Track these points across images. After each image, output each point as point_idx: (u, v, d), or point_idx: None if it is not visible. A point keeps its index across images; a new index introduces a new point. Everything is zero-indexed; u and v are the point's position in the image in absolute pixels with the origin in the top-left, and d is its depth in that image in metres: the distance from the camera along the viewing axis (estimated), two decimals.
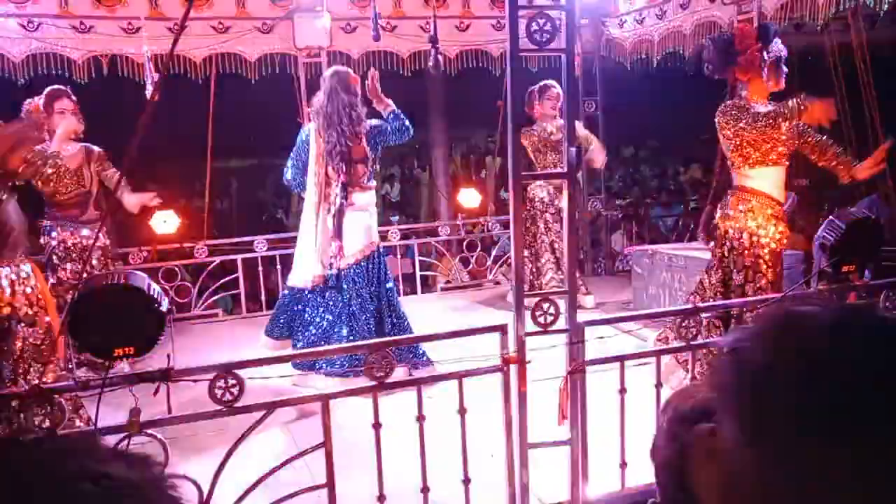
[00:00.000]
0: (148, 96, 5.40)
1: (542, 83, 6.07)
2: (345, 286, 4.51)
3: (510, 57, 2.83)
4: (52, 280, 4.74)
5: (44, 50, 5.82)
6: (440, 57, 5.76)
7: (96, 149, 5.08)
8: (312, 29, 6.27)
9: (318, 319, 4.57)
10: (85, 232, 4.96)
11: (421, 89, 9.59)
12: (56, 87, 4.90)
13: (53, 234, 4.91)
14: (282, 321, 4.74)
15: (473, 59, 7.05)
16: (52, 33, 5.84)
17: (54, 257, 4.85)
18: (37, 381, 2.30)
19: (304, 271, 4.61)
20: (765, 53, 3.77)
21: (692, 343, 3.19)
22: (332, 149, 4.46)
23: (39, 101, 4.81)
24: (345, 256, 4.52)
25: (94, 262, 4.91)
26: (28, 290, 3.32)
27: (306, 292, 4.62)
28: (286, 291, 4.80)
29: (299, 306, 4.66)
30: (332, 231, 4.54)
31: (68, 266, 4.87)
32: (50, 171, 4.74)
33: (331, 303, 4.55)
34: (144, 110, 2.60)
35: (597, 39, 7.42)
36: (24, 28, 5.77)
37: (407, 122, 4.59)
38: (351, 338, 4.39)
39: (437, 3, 6.76)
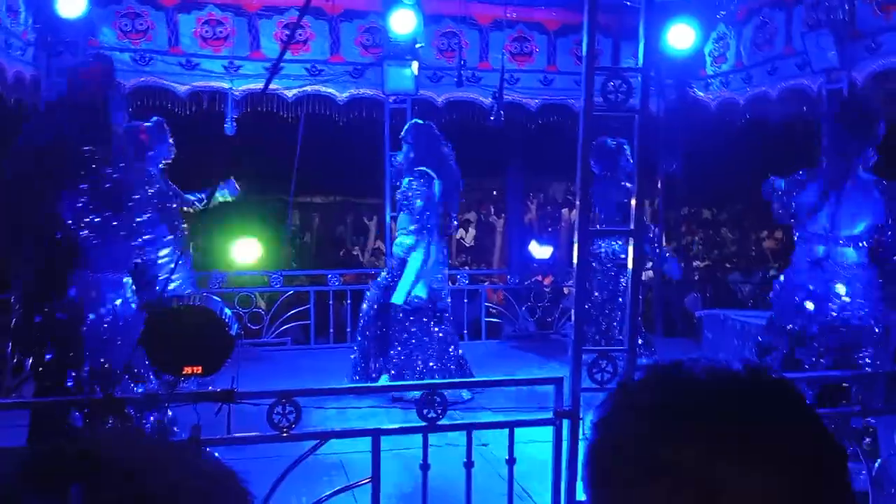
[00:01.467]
0: (227, 131, 5.73)
1: (618, 141, 6.08)
2: None
3: (583, 116, 2.89)
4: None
5: (151, 83, 6.27)
6: (501, 112, 5.90)
7: None
8: (401, 76, 6.51)
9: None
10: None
11: (501, 137, 9.75)
12: (162, 119, 5.24)
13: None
14: None
15: (555, 113, 7.15)
16: (160, 67, 6.29)
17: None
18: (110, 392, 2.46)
19: None
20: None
21: None
22: None
23: (143, 125, 5.13)
24: None
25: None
26: None
27: None
28: None
29: None
30: None
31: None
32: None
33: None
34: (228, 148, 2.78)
35: (681, 100, 7.40)
36: (136, 63, 6.23)
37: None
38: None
39: (522, 58, 6.94)
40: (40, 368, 2.76)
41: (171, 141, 5.14)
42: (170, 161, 5.19)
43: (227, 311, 2.65)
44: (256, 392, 2.65)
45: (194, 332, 2.48)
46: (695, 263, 9.79)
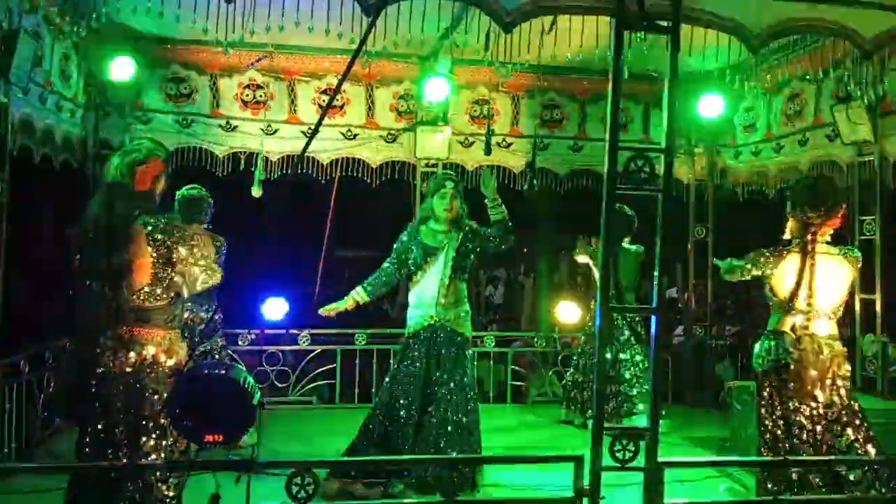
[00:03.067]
0: (253, 193, 5.91)
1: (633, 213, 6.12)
2: None
3: (606, 196, 2.93)
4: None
5: (192, 144, 6.50)
6: (535, 182, 5.97)
7: None
8: (433, 141, 6.66)
9: None
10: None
11: (532, 198, 9.85)
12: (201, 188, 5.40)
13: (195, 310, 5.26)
14: None
15: (585, 178, 7.22)
16: (201, 130, 6.53)
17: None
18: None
19: None
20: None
21: (779, 498, 3.03)
22: None
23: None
24: None
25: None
26: None
27: None
28: None
29: None
30: None
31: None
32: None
33: None
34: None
35: (711, 167, 7.44)
36: (179, 124, 6.49)
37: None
38: None
39: (552, 124, 7.05)
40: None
41: (210, 206, 5.32)
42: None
43: (251, 379, 2.69)
44: (276, 462, 2.68)
45: (217, 400, 2.53)
46: (727, 328, 9.63)
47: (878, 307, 5.57)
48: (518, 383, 7.36)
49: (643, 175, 2.95)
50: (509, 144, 7.01)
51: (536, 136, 6.18)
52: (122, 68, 5.98)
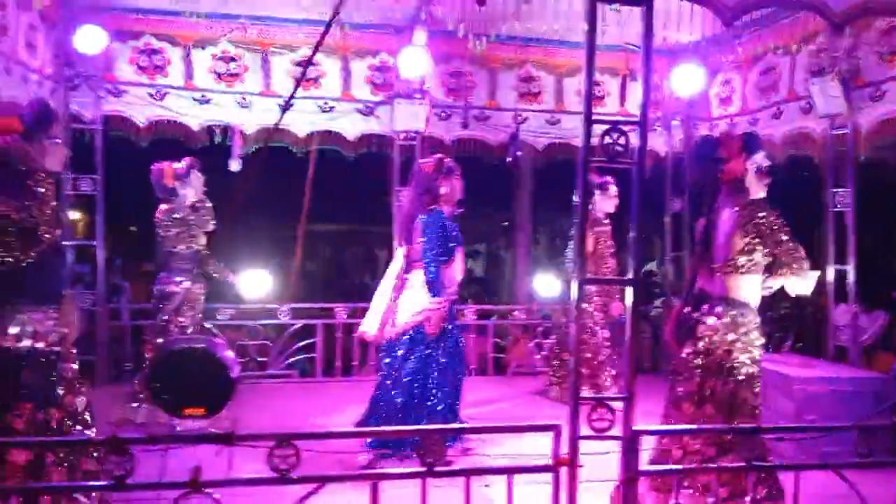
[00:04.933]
0: (230, 167, 5.85)
1: (603, 179, 6.12)
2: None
3: (580, 166, 2.94)
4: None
5: (166, 118, 6.41)
6: (518, 153, 5.96)
7: None
8: (410, 114, 6.61)
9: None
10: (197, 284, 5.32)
11: (509, 172, 9.85)
12: (193, 158, 5.37)
13: (178, 282, 5.19)
14: None
15: (563, 151, 7.24)
16: (175, 103, 6.43)
17: (172, 305, 5.08)
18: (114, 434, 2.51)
19: None
20: (747, 163, 3.65)
21: (752, 464, 3.10)
22: None
23: (173, 165, 5.26)
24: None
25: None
26: None
27: None
28: None
29: None
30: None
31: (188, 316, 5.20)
32: (187, 225, 5.19)
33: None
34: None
35: (688, 140, 7.48)
36: (152, 97, 6.38)
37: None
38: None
39: (531, 97, 7.04)
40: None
41: (201, 178, 5.28)
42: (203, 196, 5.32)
43: (230, 352, 2.70)
44: (256, 434, 2.69)
45: (196, 375, 2.54)
46: None
47: (850, 277, 5.68)
48: (499, 355, 7.44)
49: (618, 148, 2.97)
50: (487, 117, 6.99)
51: (514, 108, 6.16)
52: (91, 39, 5.85)
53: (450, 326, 4.62)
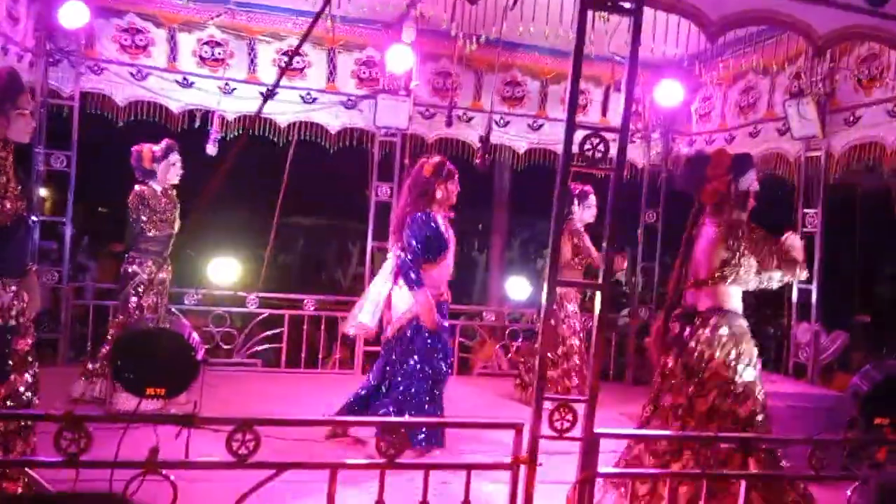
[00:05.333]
0: (207, 151, 5.82)
1: (582, 188, 6.21)
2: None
3: (561, 169, 2.98)
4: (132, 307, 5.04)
5: (146, 98, 6.34)
6: (488, 155, 6.00)
7: None
8: (393, 110, 6.60)
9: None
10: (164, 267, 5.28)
11: (488, 175, 9.88)
12: (173, 141, 5.33)
13: (146, 266, 5.17)
14: None
15: (542, 157, 7.29)
16: (157, 84, 6.36)
17: (141, 287, 5.10)
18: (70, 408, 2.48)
19: None
20: (733, 185, 3.69)
21: (706, 472, 3.15)
22: None
23: (152, 147, 5.23)
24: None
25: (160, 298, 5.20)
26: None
27: None
28: None
29: None
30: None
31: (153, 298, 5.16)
32: (158, 211, 5.14)
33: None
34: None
35: (665, 153, 7.58)
36: (133, 77, 6.31)
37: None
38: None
39: (513, 102, 7.08)
40: None
41: (178, 160, 5.24)
42: (176, 181, 5.31)
43: (195, 334, 2.68)
44: (217, 418, 2.67)
45: (159, 354, 2.52)
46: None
47: (813, 297, 5.79)
48: (465, 356, 7.46)
49: (597, 154, 3.01)
50: (470, 119, 7.02)
51: (493, 111, 6.19)
52: (73, 14, 5.77)
53: (446, 324, 4.73)
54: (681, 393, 3.65)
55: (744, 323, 3.69)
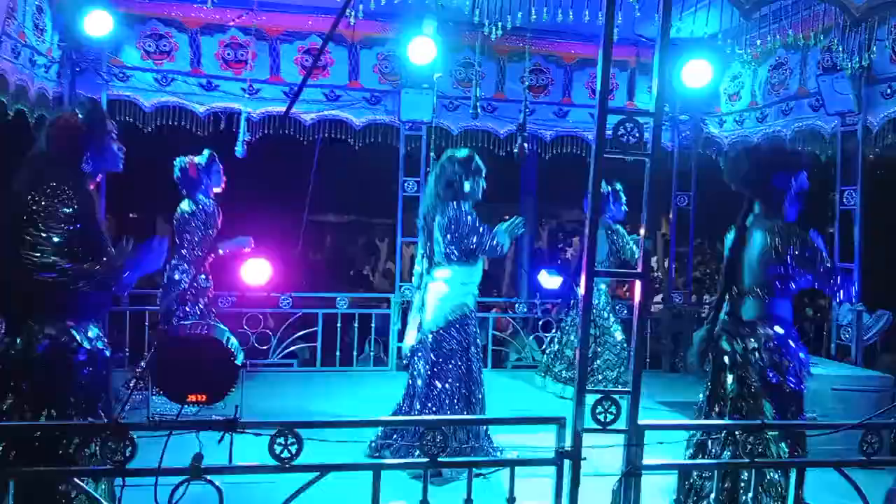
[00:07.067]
0: (236, 153, 5.84)
1: (612, 187, 6.14)
2: None
3: (594, 158, 2.90)
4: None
5: (172, 103, 6.37)
6: (526, 145, 5.93)
7: None
8: (417, 104, 6.56)
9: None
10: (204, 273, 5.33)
11: (515, 164, 9.81)
12: (213, 152, 5.40)
13: (186, 270, 5.23)
14: None
15: (569, 145, 7.21)
16: (181, 88, 6.39)
17: (188, 295, 5.15)
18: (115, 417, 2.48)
19: None
20: (789, 182, 3.45)
21: (756, 460, 3.07)
22: None
23: (194, 159, 5.29)
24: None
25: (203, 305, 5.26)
26: None
27: None
28: None
29: None
30: None
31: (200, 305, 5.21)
32: (211, 227, 5.25)
33: None
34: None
35: (696, 136, 7.44)
36: (158, 82, 6.35)
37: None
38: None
39: (538, 90, 7.00)
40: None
41: (221, 170, 5.33)
42: (220, 189, 5.38)
43: (233, 339, 2.67)
44: (259, 422, 2.66)
45: (199, 361, 2.51)
46: (706, 298, 9.74)
47: (854, 276, 5.64)
48: (498, 348, 7.42)
49: (632, 140, 2.93)
50: (494, 109, 6.95)
51: (525, 100, 6.12)
52: (97, 23, 5.81)
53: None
54: (725, 404, 3.52)
55: (792, 332, 3.54)
